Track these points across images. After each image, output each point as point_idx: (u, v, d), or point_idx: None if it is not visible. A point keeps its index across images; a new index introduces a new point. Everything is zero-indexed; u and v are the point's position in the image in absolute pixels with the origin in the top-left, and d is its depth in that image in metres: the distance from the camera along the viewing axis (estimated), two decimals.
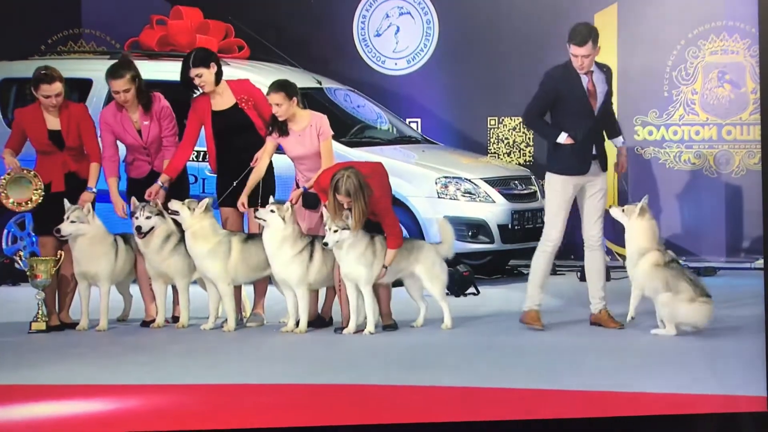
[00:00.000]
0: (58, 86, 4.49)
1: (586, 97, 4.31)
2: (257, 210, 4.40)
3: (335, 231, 4.23)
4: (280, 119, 4.47)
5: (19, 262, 4.72)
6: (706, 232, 6.31)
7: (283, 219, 4.35)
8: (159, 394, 3.55)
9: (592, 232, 4.39)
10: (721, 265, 6.23)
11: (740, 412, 3.21)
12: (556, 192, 4.36)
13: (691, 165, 6.40)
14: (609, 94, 4.41)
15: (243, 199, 4.50)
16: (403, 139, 6.22)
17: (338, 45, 6.73)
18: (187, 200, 4.49)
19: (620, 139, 4.47)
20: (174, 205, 4.47)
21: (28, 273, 4.60)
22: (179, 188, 4.64)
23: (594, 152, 4.36)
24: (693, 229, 6.35)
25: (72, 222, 4.47)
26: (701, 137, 6.38)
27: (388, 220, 4.30)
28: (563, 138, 4.27)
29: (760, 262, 5.91)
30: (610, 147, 4.54)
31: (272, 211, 4.36)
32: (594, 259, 4.40)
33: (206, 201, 4.50)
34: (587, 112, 4.32)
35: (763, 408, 3.20)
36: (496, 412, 3.33)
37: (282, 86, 4.47)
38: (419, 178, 5.72)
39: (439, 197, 5.73)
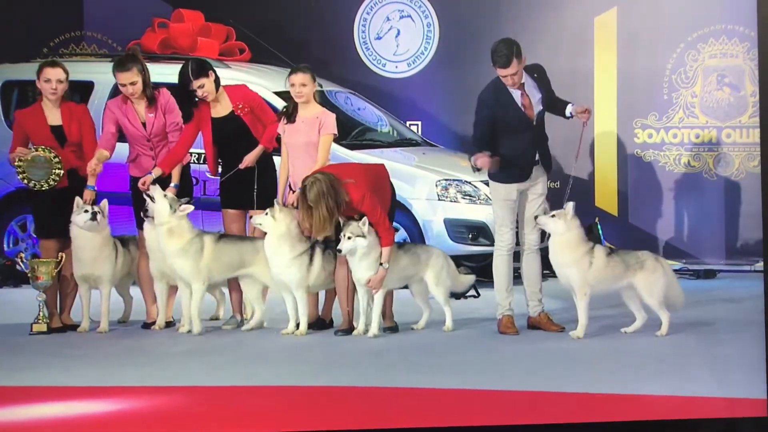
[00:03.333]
0: (60, 72, 4.51)
1: (522, 112, 4.34)
2: (252, 216, 4.42)
3: (349, 238, 4.22)
4: (301, 100, 4.48)
5: (21, 263, 4.72)
6: (706, 235, 6.32)
7: (274, 218, 4.36)
8: (160, 395, 3.55)
9: (531, 236, 4.41)
10: (721, 267, 6.24)
11: (740, 417, 3.21)
12: (501, 199, 4.41)
13: (691, 168, 6.41)
14: (546, 95, 4.38)
15: (290, 199, 4.44)
16: (403, 142, 6.23)
17: (339, 48, 6.74)
18: (170, 195, 4.47)
19: (569, 107, 4.41)
20: (154, 191, 4.42)
21: (29, 275, 4.61)
22: (184, 190, 4.64)
23: (537, 158, 4.40)
24: (693, 232, 6.36)
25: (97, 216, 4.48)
26: (701, 140, 6.40)
27: (373, 219, 4.27)
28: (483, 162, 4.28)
29: (759, 265, 5.91)
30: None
31: (266, 213, 4.37)
32: (531, 263, 4.41)
33: (189, 207, 4.47)
34: (525, 124, 4.35)
35: (763, 411, 3.19)
36: (496, 415, 3.33)
37: (308, 68, 4.52)
38: (420, 180, 5.73)
39: (439, 199, 5.75)
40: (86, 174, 4.57)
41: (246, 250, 4.48)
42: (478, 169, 4.36)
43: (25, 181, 4.55)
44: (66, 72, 4.54)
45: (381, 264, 4.29)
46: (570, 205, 4.25)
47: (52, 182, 4.51)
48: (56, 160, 4.50)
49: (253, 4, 6.72)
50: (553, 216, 4.27)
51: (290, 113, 4.52)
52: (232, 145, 4.62)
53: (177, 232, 4.43)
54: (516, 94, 4.34)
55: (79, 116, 4.59)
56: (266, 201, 4.51)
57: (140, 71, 4.57)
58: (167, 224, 4.43)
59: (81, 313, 4.64)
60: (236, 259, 4.48)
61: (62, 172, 4.50)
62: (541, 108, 4.39)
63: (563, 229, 4.22)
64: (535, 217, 4.33)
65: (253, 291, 4.50)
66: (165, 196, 4.45)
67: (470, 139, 4.46)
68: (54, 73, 4.49)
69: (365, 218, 4.25)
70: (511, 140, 4.36)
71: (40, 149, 4.52)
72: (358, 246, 4.25)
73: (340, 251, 4.26)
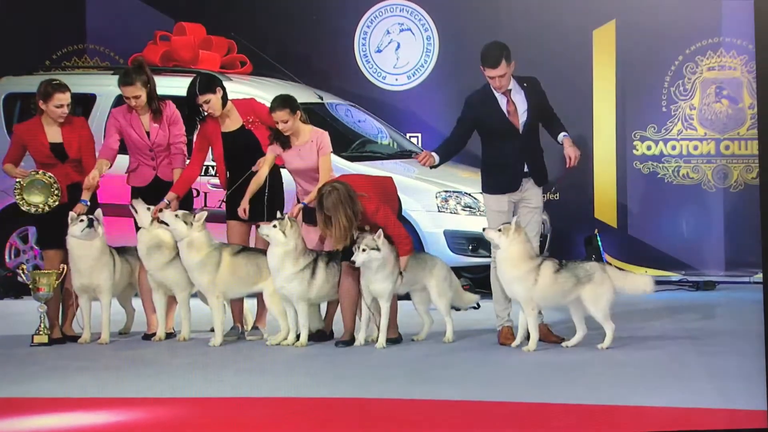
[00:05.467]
0: (69, 95, 4.56)
1: (506, 118, 4.34)
2: (259, 226, 4.42)
3: (364, 250, 4.23)
4: (288, 134, 4.52)
5: (22, 275, 4.73)
6: (705, 247, 6.33)
7: (284, 233, 4.37)
8: (160, 406, 3.55)
9: None
10: (720, 278, 6.25)
11: (741, 429, 3.21)
12: (494, 211, 4.42)
13: (690, 179, 6.43)
14: (537, 107, 4.39)
15: (244, 204, 4.51)
16: (403, 154, 6.26)
17: (340, 61, 6.78)
18: (181, 212, 4.50)
19: (561, 134, 4.42)
20: (166, 216, 4.46)
21: (30, 286, 4.62)
22: (184, 201, 4.67)
23: (526, 169, 4.39)
24: (692, 244, 6.37)
25: (90, 223, 4.50)
26: (699, 152, 6.43)
27: (391, 230, 4.30)
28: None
29: (758, 276, 5.92)
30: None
31: (274, 226, 4.38)
32: None
33: (204, 214, 4.53)
34: (511, 131, 4.35)
35: (763, 423, 3.20)
36: (497, 426, 3.33)
37: (285, 102, 4.52)
38: (420, 192, 5.76)
39: (439, 211, 5.78)
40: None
41: (265, 264, 4.47)
42: (435, 166, 4.39)
43: (22, 204, 4.55)
44: (70, 92, 4.58)
45: (400, 273, 4.29)
46: (514, 220, 4.26)
47: (47, 208, 4.53)
48: (55, 186, 4.52)
49: (254, 17, 6.77)
50: (499, 230, 4.27)
51: (282, 140, 4.53)
52: (243, 159, 4.63)
53: (196, 245, 4.46)
54: (502, 100, 4.36)
55: (78, 131, 4.61)
56: (274, 213, 4.51)
57: (145, 84, 4.60)
58: (186, 238, 4.46)
59: (82, 324, 4.65)
60: (253, 274, 4.48)
61: (59, 199, 4.52)
62: (527, 118, 4.39)
63: (506, 244, 4.21)
64: (483, 229, 4.32)
65: (278, 306, 4.47)
66: (176, 215, 4.48)
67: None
68: (65, 98, 4.52)
69: (380, 231, 4.26)
70: (496, 147, 4.38)
71: (39, 173, 4.54)
72: (373, 258, 4.25)
73: (353, 262, 4.25)
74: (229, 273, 4.47)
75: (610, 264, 4.55)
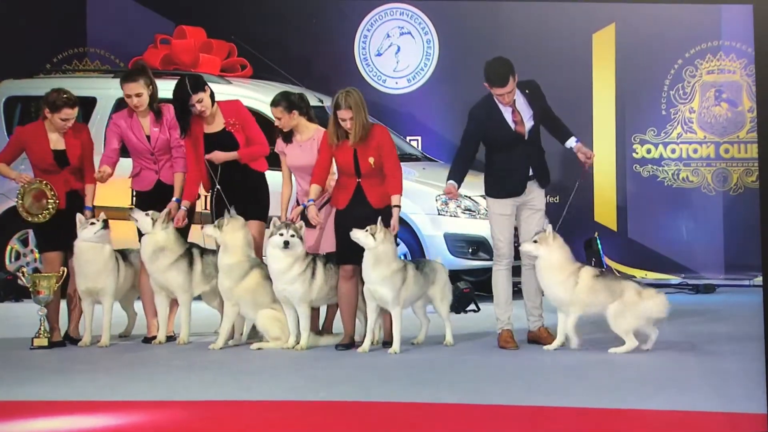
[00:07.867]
0: (76, 111, 4.57)
1: (512, 128, 4.37)
2: (287, 237, 4.35)
3: (373, 234, 4.24)
4: (285, 130, 4.58)
5: (22, 278, 4.73)
6: (705, 250, 6.34)
7: (301, 239, 4.40)
8: (160, 410, 3.56)
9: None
10: (720, 282, 6.27)
11: None
12: (497, 214, 4.44)
13: (689, 183, 6.45)
14: (540, 111, 4.42)
15: (295, 213, 4.49)
16: (403, 157, 6.22)
17: (340, 64, 6.80)
18: (218, 219, 4.50)
19: (572, 140, 4.47)
20: (207, 229, 4.52)
21: (30, 289, 4.63)
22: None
23: (531, 173, 4.42)
24: (691, 247, 6.38)
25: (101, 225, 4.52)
26: (699, 155, 6.44)
27: (390, 161, 4.38)
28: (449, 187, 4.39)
29: (758, 279, 5.94)
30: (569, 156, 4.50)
31: (292, 235, 4.37)
32: (532, 277, 4.43)
33: (228, 216, 4.48)
34: (517, 139, 4.38)
35: (763, 426, 3.19)
36: (496, 429, 3.33)
37: (279, 101, 4.56)
38: (420, 195, 5.78)
39: (439, 214, 5.79)
40: (85, 195, 4.60)
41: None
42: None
43: (21, 209, 4.55)
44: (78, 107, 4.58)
45: (396, 206, 4.35)
46: (549, 228, 4.29)
47: (42, 218, 4.54)
48: (53, 198, 4.52)
49: (254, 21, 6.79)
50: (534, 242, 4.30)
51: (284, 134, 4.58)
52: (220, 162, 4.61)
53: (231, 249, 4.45)
54: (507, 111, 4.38)
55: (82, 138, 4.61)
56: (258, 217, 4.53)
57: (147, 84, 4.61)
58: (220, 241, 4.46)
59: (84, 327, 4.65)
60: (274, 299, 4.48)
61: (55, 210, 4.53)
62: (533, 123, 4.42)
63: (546, 251, 4.26)
64: (519, 244, 4.36)
65: (292, 315, 4.47)
66: (215, 226, 4.48)
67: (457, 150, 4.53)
68: (72, 114, 4.53)
69: (385, 228, 4.25)
70: (503, 156, 4.40)
71: (43, 183, 4.54)
72: (368, 243, 4.25)
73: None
74: (250, 289, 4.46)
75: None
